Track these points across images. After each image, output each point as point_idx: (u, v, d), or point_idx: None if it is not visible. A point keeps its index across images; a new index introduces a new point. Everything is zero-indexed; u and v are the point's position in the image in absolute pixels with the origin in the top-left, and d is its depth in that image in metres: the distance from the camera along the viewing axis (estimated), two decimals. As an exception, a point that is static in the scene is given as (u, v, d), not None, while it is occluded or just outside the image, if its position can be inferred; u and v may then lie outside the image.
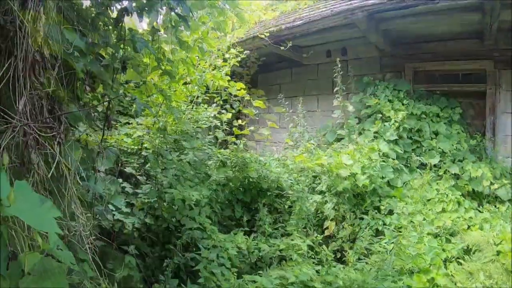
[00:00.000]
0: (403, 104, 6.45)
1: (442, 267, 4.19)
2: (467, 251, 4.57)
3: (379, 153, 5.92)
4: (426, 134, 6.27)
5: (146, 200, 4.51)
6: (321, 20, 6.72)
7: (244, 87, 6.24)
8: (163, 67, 4.27)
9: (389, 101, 6.63)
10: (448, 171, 5.80)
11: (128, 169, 4.92)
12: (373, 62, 7.56)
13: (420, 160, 6.00)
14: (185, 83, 5.86)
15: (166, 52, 4.58)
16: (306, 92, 8.83)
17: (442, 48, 6.71)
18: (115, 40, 3.50)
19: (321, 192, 5.66)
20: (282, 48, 7.84)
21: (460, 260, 4.37)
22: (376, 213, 5.18)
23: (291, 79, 9.19)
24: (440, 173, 5.90)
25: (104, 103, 3.56)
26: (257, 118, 9.51)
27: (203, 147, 5.87)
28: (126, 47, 3.55)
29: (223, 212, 5.47)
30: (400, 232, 4.67)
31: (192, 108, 6.06)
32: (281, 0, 9.25)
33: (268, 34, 7.47)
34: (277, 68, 9.42)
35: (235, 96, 6.17)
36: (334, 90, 6.71)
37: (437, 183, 5.71)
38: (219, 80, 6.11)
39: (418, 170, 6.03)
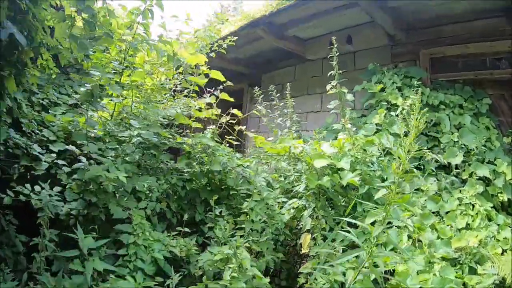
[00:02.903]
0: (416, 93, 4.66)
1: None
2: (501, 286, 2.71)
3: (380, 149, 4.14)
4: (446, 128, 4.40)
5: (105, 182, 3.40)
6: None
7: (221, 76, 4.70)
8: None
9: (398, 89, 4.85)
10: (475, 174, 3.90)
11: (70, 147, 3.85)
12: (383, 52, 5.78)
13: (437, 160, 4.15)
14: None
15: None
16: (309, 91, 7.15)
17: (464, 29, 4.89)
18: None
19: (299, 195, 3.89)
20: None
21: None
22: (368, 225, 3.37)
23: (294, 77, 7.49)
24: (463, 177, 4.02)
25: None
26: (259, 123, 7.95)
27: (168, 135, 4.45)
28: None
29: (183, 212, 4.03)
30: (397, 253, 2.85)
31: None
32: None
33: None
34: (280, 66, 7.77)
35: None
36: (329, 74, 5.00)
37: (460, 190, 3.83)
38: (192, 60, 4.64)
39: (434, 172, 4.17)
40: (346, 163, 3.62)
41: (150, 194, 3.84)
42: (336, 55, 4.94)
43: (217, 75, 4.46)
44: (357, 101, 5.98)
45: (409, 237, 3.15)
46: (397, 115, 4.49)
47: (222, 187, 4.25)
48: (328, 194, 3.60)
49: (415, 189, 3.92)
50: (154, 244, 3.25)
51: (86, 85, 3.96)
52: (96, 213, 3.44)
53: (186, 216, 3.70)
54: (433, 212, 3.63)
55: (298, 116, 6.93)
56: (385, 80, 5.00)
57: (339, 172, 3.64)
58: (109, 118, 4.58)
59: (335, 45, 4.89)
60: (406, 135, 4.23)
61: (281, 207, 3.93)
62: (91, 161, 3.68)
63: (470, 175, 3.94)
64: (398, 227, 3.23)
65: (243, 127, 5.00)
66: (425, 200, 3.73)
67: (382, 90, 4.97)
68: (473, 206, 3.50)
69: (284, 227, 3.77)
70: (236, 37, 5.78)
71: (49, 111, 4.79)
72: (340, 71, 4.91)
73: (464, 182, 3.96)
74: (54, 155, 3.76)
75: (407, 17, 5.20)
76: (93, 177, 3.41)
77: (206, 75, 4.63)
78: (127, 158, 3.97)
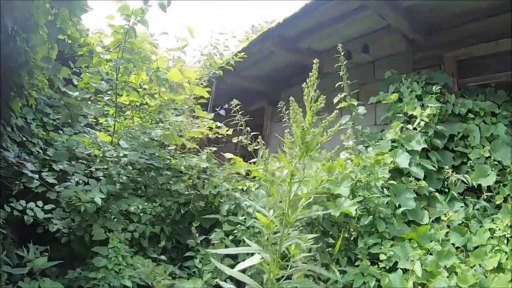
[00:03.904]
0: (438, 101, 3.87)
1: None
2: None
3: (392, 168, 3.39)
4: (475, 141, 3.57)
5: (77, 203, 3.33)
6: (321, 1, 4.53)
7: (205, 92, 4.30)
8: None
9: (418, 97, 4.08)
10: (511, 197, 3.06)
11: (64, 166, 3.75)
12: (404, 59, 5.02)
13: (464, 181, 3.32)
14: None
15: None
16: (329, 107, 6.45)
17: (493, 24, 4.05)
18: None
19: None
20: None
21: None
22: (369, 265, 2.63)
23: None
24: (497, 202, 3.17)
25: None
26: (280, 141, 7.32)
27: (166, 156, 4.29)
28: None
29: (178, 236, 3.88)
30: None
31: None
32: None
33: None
34: (298, 81, 7.10)
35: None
36: (336, 85, 4.31)
37: (492, 219, 3.00)
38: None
39: (460, 197, 3.35)
40: (345, 188, 2.93)
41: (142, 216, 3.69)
42: (344, 63, 4.31)
43: (200, 91, 3.99)
44: (378, 115, 5.27)
45: (418, 284, 2.38)
46: (414, 128, 3.73)
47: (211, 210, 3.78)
48: (322, 224, 2.91)
49: (435, 218, 3.13)
50: (126, 269, 2.98)
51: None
52: (81, 232, 3.34)
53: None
54: (457, 247, 2.83)
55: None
56: (402, 89, 4.25)
57: (339, 198, 2.96)
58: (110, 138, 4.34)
59: (342, 53, 4.27)
60: (426, 154, 3.53)
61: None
62: (80, 181, 3.60)
63: (505, 199, 3.08)
64: (405, 270, 2.48)
65: (257, 147, 4.49)
66: (448, 232, 2.93)
67: (400, 100, 4.22)
68: (508, 240, 2.66)
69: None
70: (245, 54, 5.32)
71: (60, 131, 4.59)
72: (348, 81, 4.26)
73: (498, 207, 3.12)
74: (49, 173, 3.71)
75: (425, 18, 4.45)
76: (69, 197, 3.35)
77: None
78: (114, 179, 3.81)
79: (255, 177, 3.81)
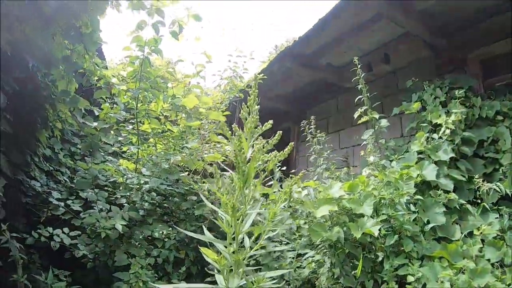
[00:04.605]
0: (464, 105, 3.65)
1: None
2: None
3: (419, 182, 3.18)
4: (506, 145, 3.30)
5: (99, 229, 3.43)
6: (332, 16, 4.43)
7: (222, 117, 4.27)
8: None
9: (442, 104, 3.85)
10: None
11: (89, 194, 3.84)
12: (426, 65, 4.78)
13: (497, 190, 3.07)
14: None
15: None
16: (354, 121, 6.26)
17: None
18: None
19: (314, 246, 3.04)
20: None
21: None
22: (396, 288, 2.44)
23: (337, 109, 6.64)
24: (537, 212, 2.90)
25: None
26: (307, 161, 7.16)
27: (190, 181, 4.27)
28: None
29: (204, 262, 3.66)
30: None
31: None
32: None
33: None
34: (322, 99, 6.93)
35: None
36: (356, 99, 4.14)
37: (533, 231, 2.74)
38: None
39: (494, 207, 3.08)
40: (368, 207, 2.76)
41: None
42: (362, 76, 4.16)
43: (217, 116, 3.94)
44: (404, 126, 5.03)
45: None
46: (440, 137, 3.51)
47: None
48: (346, 246, 2.75)
49: (468, 232, 2.89)
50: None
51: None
52: (105, 258, 3.40)
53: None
54: (493, 264, 2.58)
55: (344, 151, 6.15)
56: (426, 97, 4.04)
57: (362, 218, 2.79)
58: (134, 166, 4.39)
59: (359, 65, 4.12)
60: (455, 164, 3.30)
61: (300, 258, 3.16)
62: (103, 208, 3.69)
63: (546, 208, 2.82)
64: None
65: (284, 168, 4.37)
66: (482, 247, 2.69)
67: (424, 109, 4.01)
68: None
69: (303, 283, 2.99)
70: (266, 74, 5.26)
71: (88, 159, 4.71)
72: (368, 94, 4.10)
73: (538, 219, 2.84)
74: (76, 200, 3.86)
75: (441, 20, 4.25)
76: (92, 224, 3.43)
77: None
78: (137, 205, 3.90)
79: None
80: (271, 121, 1.66)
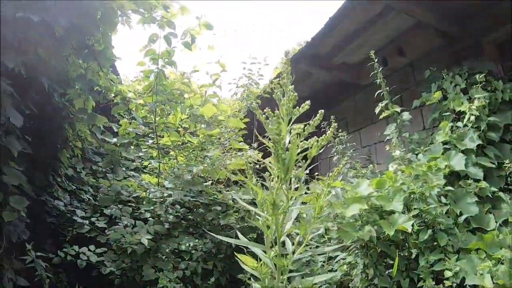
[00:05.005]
0: (486, 90, 3.51)
1: None
2: None
3: (447, 173, 3.06)
4: (535, 128, 3.18)
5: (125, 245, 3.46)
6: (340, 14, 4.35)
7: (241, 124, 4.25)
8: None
9: (463, 91, 3.72)
10: None
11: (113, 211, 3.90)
12: (441, 53, 4.63)
13: (531, 176, 2.92)
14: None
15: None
16: (374, 118, 6.12)
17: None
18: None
19: (345, 248, 2.94)
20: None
21: None
22: (434, 285, 2.32)
23: (355, 108, 6.53)
24: None
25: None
26: (329, 163, 7.03)
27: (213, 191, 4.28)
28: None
29: (232, 272, 3.82)
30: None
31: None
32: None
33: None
34: (341, 99, 6.83)
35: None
36: (376, 94, 4.04)
37: None
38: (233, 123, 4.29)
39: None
40: (398, 203, 2.67)
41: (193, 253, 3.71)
42: (380, 70, 4.06)
43: (237, 123, 3.91)
44: (425, 118, 4.89)
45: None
46: (465, 125, 3.39)
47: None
48: (378, 245, 2.65)
49: (503, 221, 2.75)
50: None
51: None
52: (132, 273, 3.41)
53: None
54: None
55: (366, 149, 6.03)
56: (445, 85, 3.91)
57: (392, 215, 2.69)
58: (156, 180, 4.39)
59: (376, 59, 4.03)
60: (482, 151, 3.17)
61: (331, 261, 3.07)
62: (128, 223, 3.70)
63: None
64: (474, 286, 2.15)
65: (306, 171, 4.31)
66: (519, 235, 2.55)
67: (445, 98, 3.89)
68: None
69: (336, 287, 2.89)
70: (278, 80, 5.21)
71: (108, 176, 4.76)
72: (388, 88, 4.00)
73: None
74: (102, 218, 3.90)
75: (452, 5, 4.11)
76: (118, 240, 3.45)
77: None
78: (162, 219, 3.89)
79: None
80: (308, 102, 1.52)
